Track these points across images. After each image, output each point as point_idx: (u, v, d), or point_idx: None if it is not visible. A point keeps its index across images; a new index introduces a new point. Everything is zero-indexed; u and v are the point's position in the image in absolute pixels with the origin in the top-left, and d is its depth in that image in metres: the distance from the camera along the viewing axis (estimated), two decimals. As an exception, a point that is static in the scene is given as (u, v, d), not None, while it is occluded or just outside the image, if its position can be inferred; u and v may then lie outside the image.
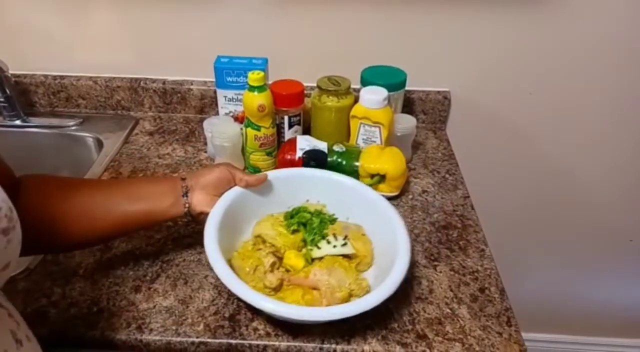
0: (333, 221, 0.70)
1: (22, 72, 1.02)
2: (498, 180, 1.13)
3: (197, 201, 0.63)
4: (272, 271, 0.63)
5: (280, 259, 0.65)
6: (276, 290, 0.62)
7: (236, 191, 0.67)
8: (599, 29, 0.92)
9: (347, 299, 0.60)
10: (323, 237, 0.67)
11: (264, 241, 0.66)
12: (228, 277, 0.56)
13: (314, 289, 0.61)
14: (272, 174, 0.72)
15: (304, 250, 0.67)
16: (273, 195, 0.71)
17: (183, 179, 0.64)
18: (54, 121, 1.00)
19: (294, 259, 0.64)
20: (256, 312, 0.62)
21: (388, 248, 0.63)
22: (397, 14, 0.93)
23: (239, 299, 0.62)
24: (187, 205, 0.62)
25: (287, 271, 0.64)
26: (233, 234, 0.67)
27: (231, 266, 0.59)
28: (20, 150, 0.99)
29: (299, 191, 0.73)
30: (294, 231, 0.68)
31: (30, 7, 0.96)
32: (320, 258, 0.65)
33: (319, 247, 0.66)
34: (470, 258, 0.72)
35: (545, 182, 1.13)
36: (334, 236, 0.66)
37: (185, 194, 0.62)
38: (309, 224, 0.68)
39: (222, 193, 0.66)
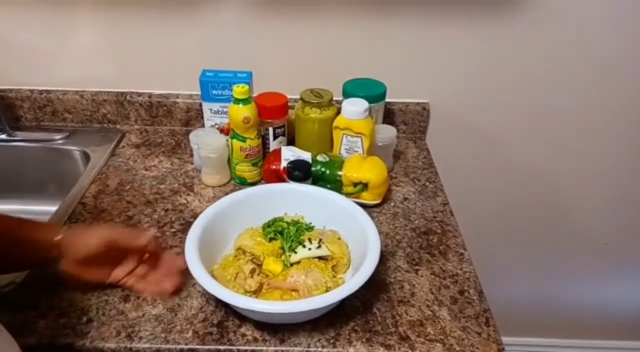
0: (310, 228, 0.73)
1: (8, 87, 1.03)
2: (476, 187, 1.16)
3: (67, 269, 0.60)
4: (251, 277, 0.65)
5: (260, 266, 0.67)
6: (256, 293, 0.64)
7: (214, 208, 0.70)
8: (570, 42, 0.97)
9: None
10: (300, 243, 0.69)
11: (244, 252, 0.69)
12: (210, 284, 0.59)
13: (293, 290, 0.64)
14: (250, 191, 0.76)
15: (282, 257, 0.69)
16: (251, 211, 0.74)
17: (57, 246, 0.59)
18: (40, 135, 1.01)
19: (272, 265, 0.67)
20: (244, 318, 0.63)
21: (362, 249, 0.66)
22: (377, 29, 0.96)
23: (225, 305, 0.64)
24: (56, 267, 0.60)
25: (267, 276, 0.67)
26: (214, 249, 0.69)
27: (213, 277, 0.61)
28: (7, 164, 1.00)
29: (277, 205, 0.75)
30: (272, 239, 0.70)
31: (16, 23, 0.97)
32: (298, 262, 0.67)
33: (295, 252, 0.68)
34: (450, 262, 0.74)
35: (522, 189, 1.17)
36: (309, 240, 0.69)
37: (56, 259, 0.60)
38: (286, 232, 0.70)
39: (100, 264, 0.63)
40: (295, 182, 0.78)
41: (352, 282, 0.59)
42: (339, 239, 0.72)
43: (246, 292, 0.63)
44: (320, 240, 0.69)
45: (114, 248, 0.62)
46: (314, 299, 0.58)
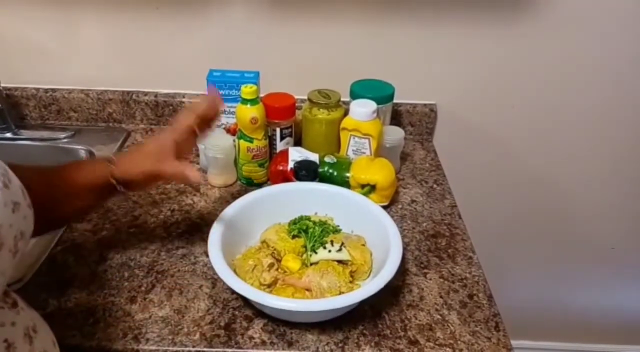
0: (337, 231, 0.73)
1: (14, 85, 1.02)
2: (484, 190, 1.16)
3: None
4: (268, 271, 0.66)
5: (279, 261, 0.68)
6: (270, 287, 0.65)
7: (244, 201, 0.72)
8: (578, 46, 0.96)
9: None
10: (322, 244, 0.69)
11: (267, 246, 0.70)
12: (223, 269, 0.60)
13: (307, 290, 0.64)
14: (282, 187, 0.77)
15: (304, 255, 0.69)
16: (282, 207, 0.74)
17: (116, 180, 0.61)
18: (45, 134, 1.01)
19: (291, 261, 0.67)
20: (252, 321, 0.63)
21: (384, 258, 0.65)
22: (386, 30, 0.96)
23: (233, 307, 0.64)
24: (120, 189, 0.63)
25: (285, 272, 0.67)
26: (239, 239, 0.71)
27: (233, 266, 0.63)
28: (11, 162, 0.99)
29: (308, 204, 0.76)
30: (295, 236, 0.71)
31: (22, 21, 0.96)
32: (317, 263, 0.67)
33: (316, 253, 0.68)
34: (458, 265, 0.74)
35: (529, 192, 1.16)
36: (331, 242, 0.69)
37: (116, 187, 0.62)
38: (311, 232, 0.70)
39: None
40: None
41: (366, 289, 0.59)
42: (364, 245, 0.71)
43: (261, 285, 0.64)
44: (343, 244, 0.69)
45: (157, 174, 0.63)
46: (320, 301, 0.59)
